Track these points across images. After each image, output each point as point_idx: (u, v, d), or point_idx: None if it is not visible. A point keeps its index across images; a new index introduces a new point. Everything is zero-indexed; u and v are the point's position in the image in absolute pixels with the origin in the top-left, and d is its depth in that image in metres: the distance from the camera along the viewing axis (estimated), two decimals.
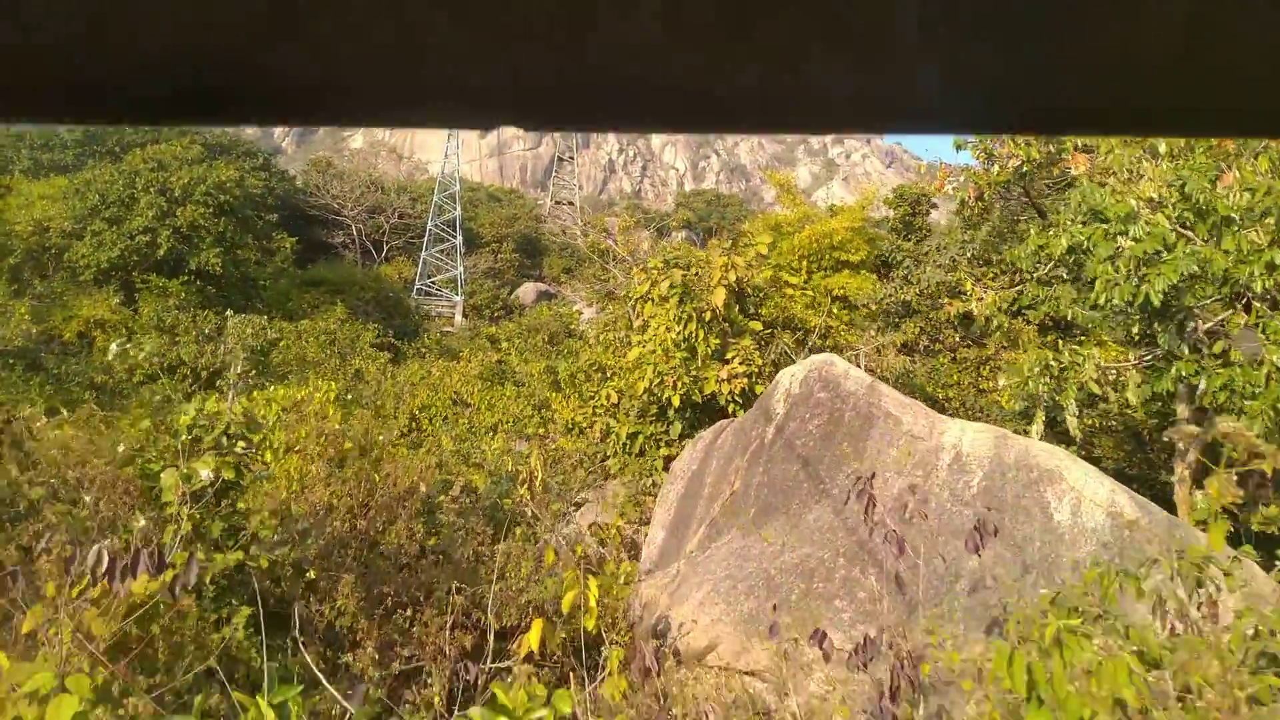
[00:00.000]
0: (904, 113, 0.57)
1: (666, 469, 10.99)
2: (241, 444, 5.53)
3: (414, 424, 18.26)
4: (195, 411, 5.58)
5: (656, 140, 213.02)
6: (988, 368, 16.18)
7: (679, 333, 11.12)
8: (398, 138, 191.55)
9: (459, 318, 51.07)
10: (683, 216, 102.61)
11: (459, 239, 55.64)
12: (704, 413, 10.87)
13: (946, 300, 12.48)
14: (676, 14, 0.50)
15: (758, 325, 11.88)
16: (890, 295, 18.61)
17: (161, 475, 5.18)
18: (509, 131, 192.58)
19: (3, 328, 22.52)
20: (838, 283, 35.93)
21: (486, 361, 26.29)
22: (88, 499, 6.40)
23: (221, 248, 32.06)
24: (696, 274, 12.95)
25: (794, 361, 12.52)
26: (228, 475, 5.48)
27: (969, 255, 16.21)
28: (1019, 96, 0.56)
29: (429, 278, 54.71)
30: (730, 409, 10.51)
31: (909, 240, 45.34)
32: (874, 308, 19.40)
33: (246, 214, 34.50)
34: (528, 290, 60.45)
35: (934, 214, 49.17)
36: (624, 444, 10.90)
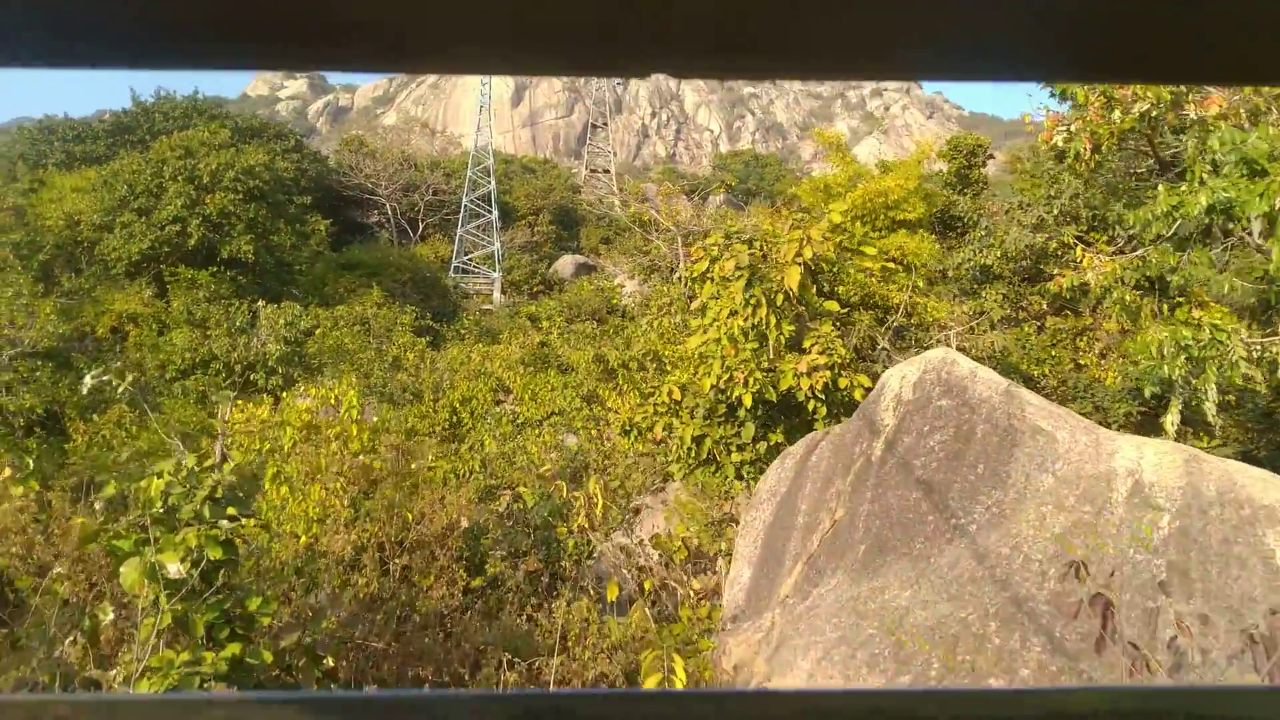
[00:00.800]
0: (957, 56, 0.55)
1: (739, 477, 9.67)
2: (228, 517, 4.32)
3: (455, 418, 17.13)
4: (169, 476, 4.37)
5: (690, 102, 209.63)
6: (1084, 339, 14.56)
7: (747, 319, 9.74)
8: (430, 111, 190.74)
9: (498, 295, 49.99)
10: (722, 180, 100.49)
11: (494, 214, 54.40)
12: (780, 412, 9.52)
13: (1058, 271, 10.87)
14: None
15: (835, 306, 10.44)
16: (968, 260, 16.91)
17: (121, 569, 3.99)
18: (541, 100, 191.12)
19: (31, 328, 21.74)
20: (894, 243, 34.06)
21: (528, 344, 25.11)
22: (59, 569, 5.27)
23: (253, 234, 31.14)
24: (763, 251, 11.53)
25: (877, 346, 11.06)
26: (213, 554, 4.27)
27: (1079, 214, 14.51)
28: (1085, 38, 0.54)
29: (466, 255, 53.63)
30: (811, 406, 9.14)
31: (965, 194, 43.19)
32: (949, 273, 17.70)
33: (278, 198, 33.54)
34: (566, 263, 59.15)
35: (989, 166, 46.87)
36: (689, 448, 9.60)
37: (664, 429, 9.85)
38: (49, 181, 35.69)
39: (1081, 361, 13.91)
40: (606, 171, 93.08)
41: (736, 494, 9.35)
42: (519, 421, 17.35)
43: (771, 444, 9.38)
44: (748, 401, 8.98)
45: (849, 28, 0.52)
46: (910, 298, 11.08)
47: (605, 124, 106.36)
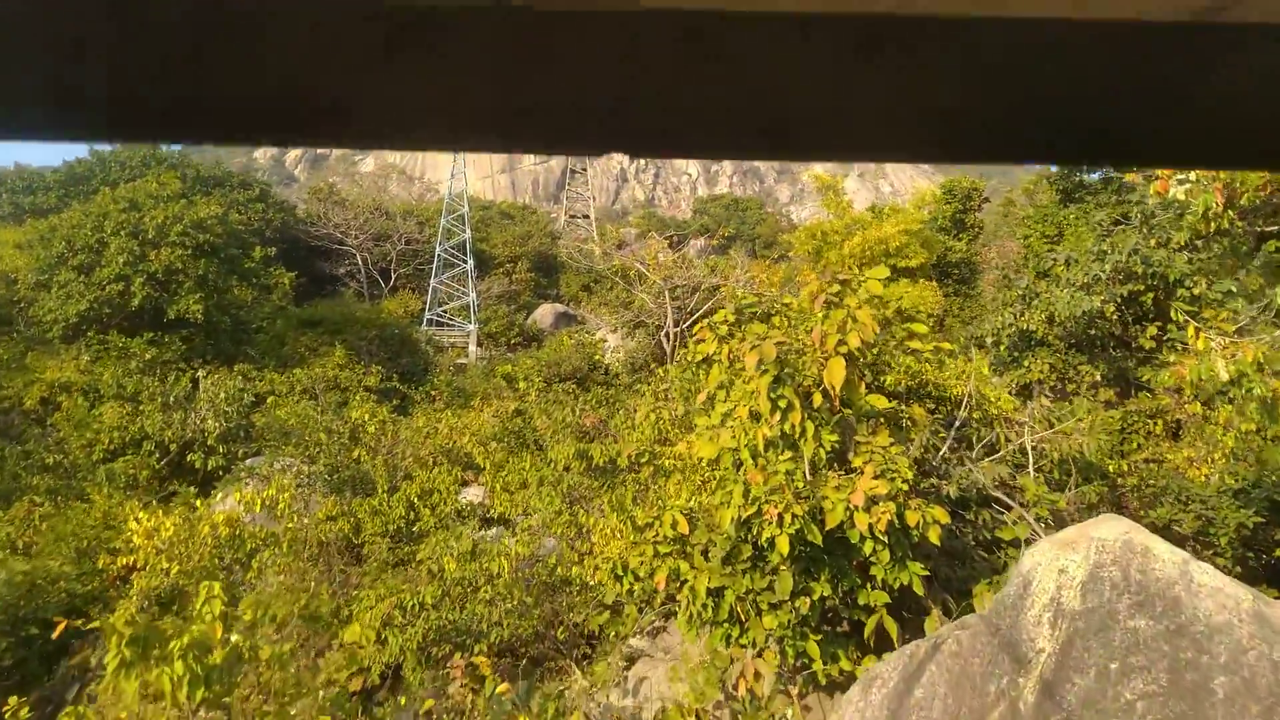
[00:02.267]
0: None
1: (779, 652, 7.25)
2: None
3: (413, 513, 14.60)
4: None
5: None
6: (1159, 423, 12.36)
7: (774, 425, 7.42)
8: (407, 160, 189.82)
9: (473, 348, 47.57)
10: (706, 226, 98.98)
11: (470, 263, 52.17)
12: (823, 550, 7.13)
13: (1175, 360, 8.68)
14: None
15: (884, 402, 8.12)
16: (1008, 324, 14.72)
17: None
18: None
19: None
20: (896, 293, 32.03)
21: (502, 411, 22.64)
22: None
23: (203, 292, 28.63)
24: (784, 322, 9.26)
25: (943, 454, 8.71)
26: None
27: (1134, 272, 12.40)
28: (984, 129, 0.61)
29: (440, 306, 51.26)
30: (869, 550, 6.78)
31: (960, 239, 41.40)
32: (990, 339, 15.46)
33: (231, 253, 31.07)
34: (545, 312, 56.92)
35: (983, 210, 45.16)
36: (704, 604, 7.20)
37: (668, 575, 7.43)
38: None
39: (1169, 457, 11.62)
40: (586, 217, 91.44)
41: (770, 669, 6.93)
42: (489, 515, 14.84)
43: (816, 597, 6.97)
44: (784, 548, 6.60)
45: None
46: (975, 388, 8.78)
47: (584, 169, 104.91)
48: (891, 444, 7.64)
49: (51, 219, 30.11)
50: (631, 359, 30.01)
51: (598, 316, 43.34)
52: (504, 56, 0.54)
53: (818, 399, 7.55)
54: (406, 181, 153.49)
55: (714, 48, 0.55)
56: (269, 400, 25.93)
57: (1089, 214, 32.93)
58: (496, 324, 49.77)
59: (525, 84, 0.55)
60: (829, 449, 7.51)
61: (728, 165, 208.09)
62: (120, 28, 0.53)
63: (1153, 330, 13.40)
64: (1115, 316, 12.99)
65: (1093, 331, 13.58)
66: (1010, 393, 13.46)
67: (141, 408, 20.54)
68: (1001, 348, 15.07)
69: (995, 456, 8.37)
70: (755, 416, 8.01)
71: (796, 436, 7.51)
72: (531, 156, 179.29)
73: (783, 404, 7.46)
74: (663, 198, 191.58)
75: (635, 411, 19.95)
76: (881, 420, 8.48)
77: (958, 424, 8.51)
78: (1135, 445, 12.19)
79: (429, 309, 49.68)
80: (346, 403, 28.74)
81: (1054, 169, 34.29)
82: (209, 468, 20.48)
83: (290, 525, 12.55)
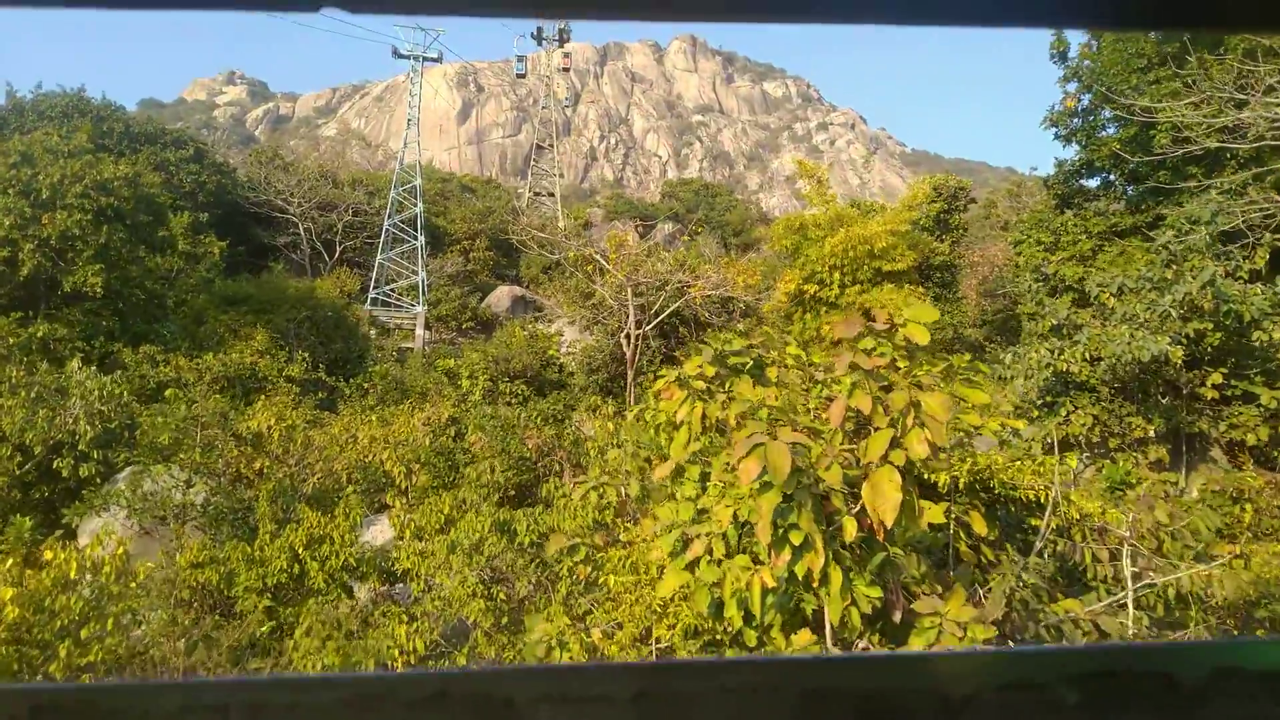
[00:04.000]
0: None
1: None
2: None
3: (299, 568, 11.63)
4: None
5: (639, 126, 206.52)
6: (1246, 506, 9.85)
7: (781, 567, 4.67)
8: (373, 124, 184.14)
9: (420, 330, 44.32)
10: (687, 221, 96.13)
11: (420, 239, 48.74)
12: None
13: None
14: None
15: (937, 514, 5.31)
16: (1044, 363, 12.06)
17: None
18: (488, 118, 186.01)
19: None
20: (880, 298, 29.47)
21: (435, 420, 19.67)
22: None
23: (103, 263, 25.14)
24: (791, 394, 6.54)
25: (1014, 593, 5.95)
26: None
27: (1201, 308, 9.84)
28: None
29: (387, 284, 47.83)
30: None
31: (944, 241, 38.97)
32: (1019, 379, 12.73)
33: (141, 219, 27.55)
34: (501, 295, 53.74)
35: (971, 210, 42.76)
36: None
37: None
38: None
39: (1248, 550, 9.01)
40: (551, 195, 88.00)
41: None
42: (393, 570, 11.92)
43: None
44: None
45: None
46: (1059, 490, 6.05)
47: (552, 145, 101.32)
48: (960, 595, 4.88)
49: None
50: (589, 359, 27.13)
51: (556, 302, 40.30)
52: None
53: (850, 530, 4.77)
54: (368, 149, 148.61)
55: None
56: (168, 393, 22.71)
57: (1086, 221, 30.65)
58: (448, 306, 46.52)
59: None
60: (867, 609, 4.75)
61: (698, 148, 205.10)
62: None
63: (1216, 378, 10.98)
64: (1181, 362, 10.52)
65: (1145, 376, 11.10)
66: (1044, 449, 10.87)
67: (1, 401, 17.22)
68: (1030, 391, 12.44)
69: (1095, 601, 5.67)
70: (745, 525, 5.27)
71: (816, 586, 4.76)
72: (500, 129, 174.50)
73: (796, 538, 4.68)
74: (632, 179, 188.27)
75: (583, 450, 17.15)
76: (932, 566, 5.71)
77: (1038, 547, 5.78)
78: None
79: (374, 287, 46.24)
80: (253, 399, 25.62)
81: (1048, 171, 31.97)
82: (80, 476, 17.27)
83: (117, 588, 9.56)
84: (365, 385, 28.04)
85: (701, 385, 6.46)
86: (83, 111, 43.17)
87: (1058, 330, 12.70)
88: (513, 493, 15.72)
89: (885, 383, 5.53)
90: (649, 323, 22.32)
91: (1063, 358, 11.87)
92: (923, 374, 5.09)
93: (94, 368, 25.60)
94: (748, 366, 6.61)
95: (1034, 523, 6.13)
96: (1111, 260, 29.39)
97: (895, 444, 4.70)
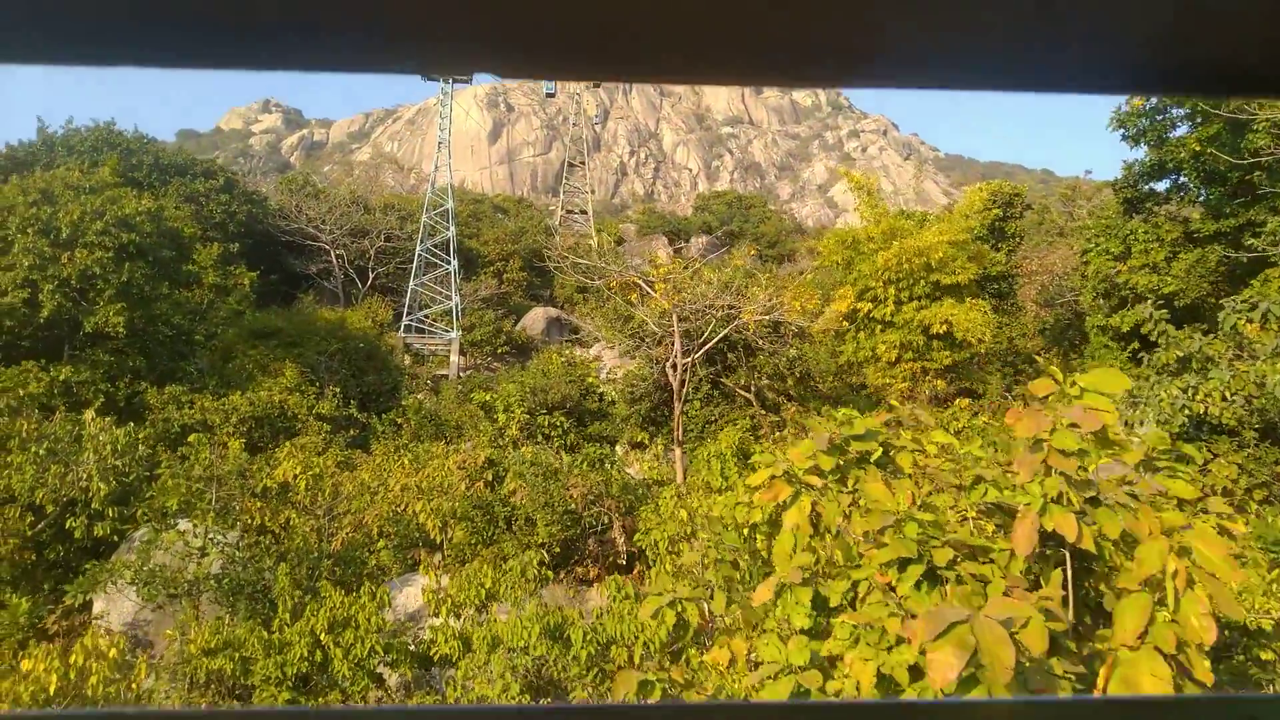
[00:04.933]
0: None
1: None
2: None
3: (320, 655, 10.21)
4: None
5: (668, 140, 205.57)
6: None
7: None
8: (406, 148, 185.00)
9: (455, 357, 43.18)
10: (703, 220, 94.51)
11: (453, 264, 47.68)
12: None
13: None
14: None
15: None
16: (1179, 404, 10.33)
17: None
18: (519, 137, 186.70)
19: None
20: (941, 314, 27.71)
21: (471, 463, 18.26)
22: None
23: (125, 301, 24.19)
24: (943, 487, 5.01)
25: None
26: None
27: None
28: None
29: (420, 310, 46.80)
30: None
31: (1000, 250, 37.00)
32: (1152, 422, 10.97)
33: (164, 255, 26.61)
34: (536, 317, 52.55)
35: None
36: None
37: None
38: None
39: None
40: (584, 212, 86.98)
41: None
42: (430, 654, 10.46)
43: None
44: None
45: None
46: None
47: (583, 162, 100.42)
48: None
49: None
50: (631, 387, 25.63)
51: (592, 323, 38.89)
52: None
53: None
54: (399, 173, 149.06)
55: None
56: (191, 439, 21.58)
57: (1159, 228, 28.63)
58: (482, 331, 45.36)
59: (519, 11, 0.54)
60: None
61: (728, 160, 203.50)
62: None
63: None
64: None
65: None
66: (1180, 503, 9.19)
67: (10, 458, 16.12)
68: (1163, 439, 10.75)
69: None
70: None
71: None
72: (531, 148, 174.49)
73: None
74: (663, 192, 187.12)
75: (635, 495, 15.63)
76: None
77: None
78: None
79: (407, 313, 45.20)
80: (291, 435, 24.45)
81: (1115, 176, 30.06)
82: (95, 535, 16.11)
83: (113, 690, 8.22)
84: (399, 420, 26.80)
85: (818, 482, 4.94)
86: (112, 144, 42.72)
87: (1184, 362, 10.94)
88: (558, 549, 14.27)
89: (1091, 493, 3.97)
90: (696, 350, 20.77)
91: (1198, 398, 10.09)
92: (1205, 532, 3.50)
93: (118, 413, 24.73)
94: (875, 456, 5.06)
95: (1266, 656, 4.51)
96: (1188, 268, 27.38)
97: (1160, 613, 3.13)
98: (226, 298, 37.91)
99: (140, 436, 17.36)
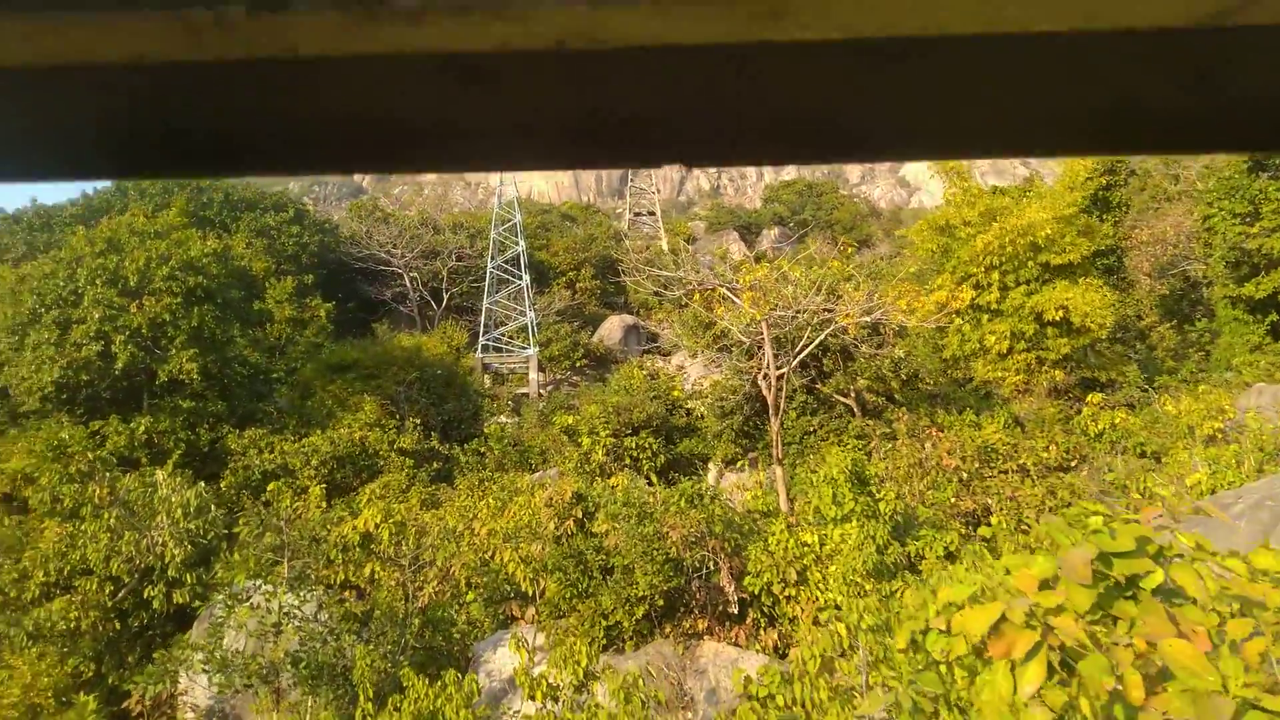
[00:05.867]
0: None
1: None
2: None
3: None
4: None
5: None
6: None
7: None
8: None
9: (534, 374, 42.26)
10: (773, 212, 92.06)
11: (525, 279, 46.80)
12: None
13: None
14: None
15: None
16: None
17: None
18: None
19: None
20: (1055, 299, 25.39)
21: (559, 500, 16.96)
22: None
23: (197, 346, 23.74)
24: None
25: None
26: None
27: None
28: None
29: (496, 328, 46.07)
30: None
31: (1105, 221, 34.20)
32: None
33: (232, 295, 26.14)
34: (613, 326, 51.34)
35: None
36: None
37: None
38: None
39: None
40: (652, 214, 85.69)
41: None
42: None
43: None
44: None
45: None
46: None
47: None
48: None
49: (23, 267, 25.67)
50: (720, 401, 24.08)
51: (671, 329, 37.44)
52: (563, 87, 0.62)
53: None
54: (468, 188, 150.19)
55: (760, 70, 0.63)
56: (270, 488, 20.89)
57: None
58: (559, 345, 44.32)
59: (583, 107, 0.63)
60: None
61: None
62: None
63: None
64: None
65: None
66: None
67: (83, 526, 15.47)
68: None
69: None
70: None
71: None
72: None
73: None
74: (728, 185, 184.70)
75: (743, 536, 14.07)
76: None
77: None
78: None
79: (483, 332, 44.48)
80: (374, 473, 23.66)
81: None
82: (174, 603, 15.36)
83: None
84: (481, 450, 25.80)
85: (1072, 628, 3.36)
86: (183, 185, 43.07)
87: None
88: (661, 602, 12.83)
89: None
90: (790, 360, 19.11)
91: None
92: None
93: (202, 459, 24.32)
94: (1155, 582, 3.46)
95: None
96: None
97: None
98: (304, 330, 37.72)
99: (213, 496, 16.60)
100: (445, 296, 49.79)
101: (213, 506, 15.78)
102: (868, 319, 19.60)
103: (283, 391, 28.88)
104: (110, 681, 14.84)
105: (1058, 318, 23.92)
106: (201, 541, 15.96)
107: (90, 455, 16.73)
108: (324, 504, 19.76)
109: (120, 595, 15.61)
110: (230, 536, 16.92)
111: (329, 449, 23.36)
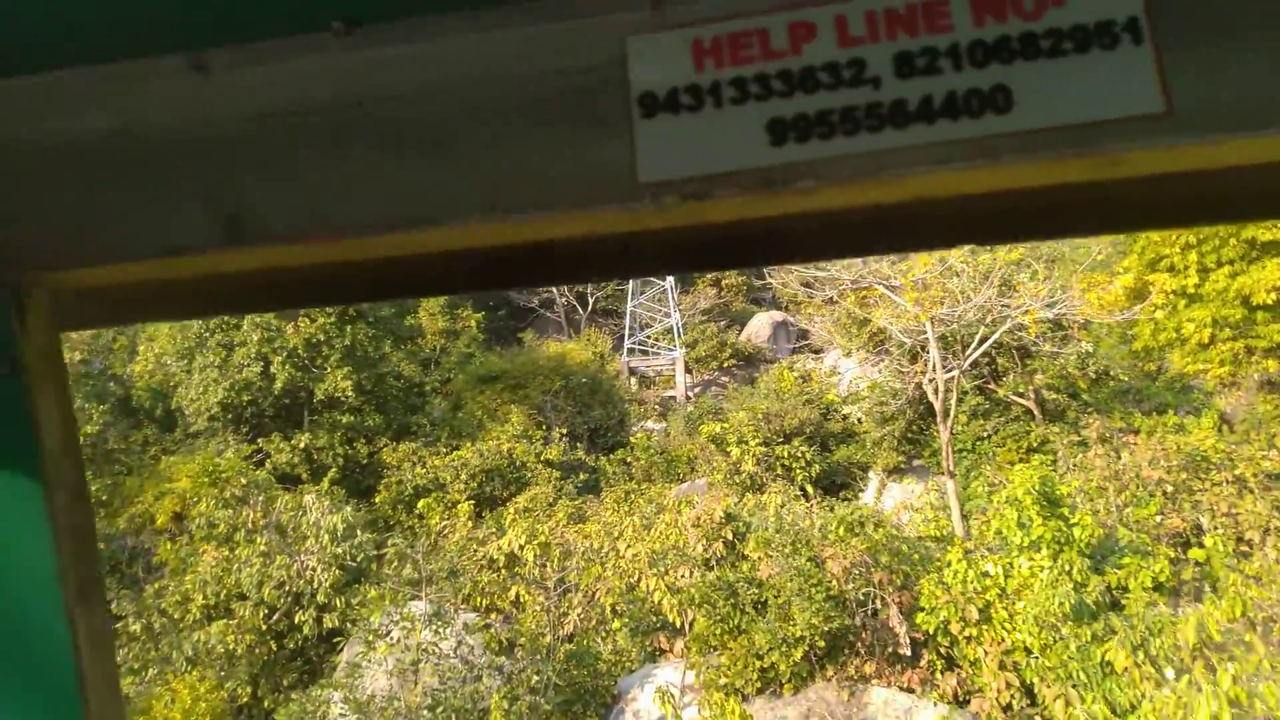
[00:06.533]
0: None
1: None
2: None
3: None
4: None
5: None
6: None
7: None
8: None
9: (681, 376, 41.40)
10: None
11: (669, 279, 46.07)
12: None
13: None
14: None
15: None
16: None
17: None
18: None
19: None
20: (1265, 280, 22.26)
21: (707, 521, 15.92)
22: None
23: (350, 365, 24.21)
24: None
25: None
26: None
27: None
28: None
29: (642, 329, 45.57)
30: None
31: None
32: None
33: (382, 313, 26.58)
34: (761, 324, 49.79)
35: None
36: None
37: None
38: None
39: None
40: None
41: None
42: None
43: None
44: None
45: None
46: None
47: None
48: None
49: None
50: (880, 406, 22.40)
51: (821, 326, 35.69)
52: None
53: None
54: None
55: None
56: (421, 505, 20.95)
57: None
58: (705, 346, 43.27)
59: None
60: None
61: None
62: None
63: None
64: None
65: None
66: None
67: (237, 550, 15.73)
68: None
69: None
70: None
71: None
72: None
73: None
74: None
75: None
76: None
77: None
78: None
79: (628, 335, 44.05)
80: (521, 485, 23.41)
81: None
82: (324, 627, 15.38)
83: None
84: (628, 459, 25.15)
85: None
86: None
87: None
88: (822, 643, 11.58)
89: None
90: (961, 361, 17.33)
91: None
92: None
93: (360, 472, 24.86)
94: None
95: None
96: None
97: None
98: (455, 341, 38.33)
99: (367, 513, 16.60)
100: (591, 301, 49.74)
101: (358, 531, 15.66)
102: (1049, 314, 17.52)
103: (434, 402, 29.25)
104: (266, 705, 15.00)
105: (1269, 301, 20.86)
106: (350, 565, 15.94)
107: (244, 480, 17.04)
108: (472, 520, 19.56)
109: (274, 619, 15.77)
110: (380, 558, 16.88)
111: (478, 462, 23.28)
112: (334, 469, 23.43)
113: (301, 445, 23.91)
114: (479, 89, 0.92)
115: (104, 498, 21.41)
